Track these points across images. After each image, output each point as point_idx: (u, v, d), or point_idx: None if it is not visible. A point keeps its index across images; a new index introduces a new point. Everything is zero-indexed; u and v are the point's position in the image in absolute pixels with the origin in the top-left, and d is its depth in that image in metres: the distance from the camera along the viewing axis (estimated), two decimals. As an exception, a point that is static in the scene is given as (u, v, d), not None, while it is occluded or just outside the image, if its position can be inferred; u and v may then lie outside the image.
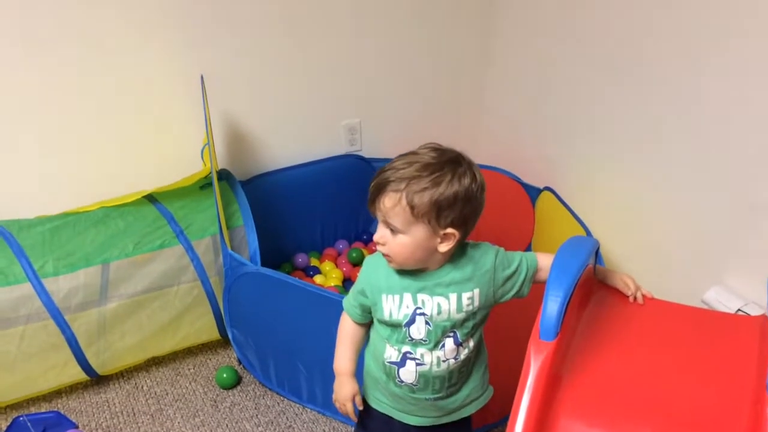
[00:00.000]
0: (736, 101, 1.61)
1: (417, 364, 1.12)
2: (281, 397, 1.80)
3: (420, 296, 1.09)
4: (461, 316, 1.10)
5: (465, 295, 1.09)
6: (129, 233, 1.80)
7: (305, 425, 1.72)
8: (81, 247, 1.74)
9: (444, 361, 1.12)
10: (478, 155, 2.34)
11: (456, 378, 1.15)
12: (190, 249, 1.85)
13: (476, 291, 1.10)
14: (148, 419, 1.73)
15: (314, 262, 2.28)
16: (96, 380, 1.83)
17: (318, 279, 2.16)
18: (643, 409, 0.99)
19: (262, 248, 1.83)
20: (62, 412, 1.72)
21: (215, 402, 1.79)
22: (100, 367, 1.79)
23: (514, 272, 1.13)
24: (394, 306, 1.10)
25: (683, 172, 1.78)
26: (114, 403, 1.78)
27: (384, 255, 1.09)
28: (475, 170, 1.07)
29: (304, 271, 2.23)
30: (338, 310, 1.77)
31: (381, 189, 1.04)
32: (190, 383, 1.85)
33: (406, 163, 1.04)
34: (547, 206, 2.08)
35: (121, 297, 1.79)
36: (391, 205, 1.03)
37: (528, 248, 2.18)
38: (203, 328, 1.89)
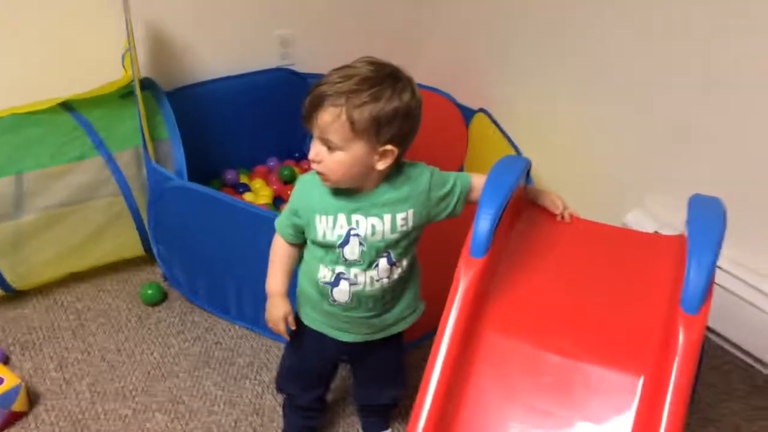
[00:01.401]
0: (661, 18, 1.61)
1: (350, 284, 1.11)
2: (209, 314, 1.78)
3: (354, 217, 1.07)
4: (395, 236, 1.09)
5: (399, 216, 1.08)
6: (44, 143, 1.69)
7: (233, 341, 1.71)
8: (-10, 155, 1.62)
9: (377, 280, 1.11)
10: (414, 74, 2.31)
11: (389, 297, 1.16)
12: (110, 161, 1.76)
13: (410, 211, 1.08)
14: (68, 334, 1.68)
15: (244, 179, 2.22)
16: (12, 296, 1.76)
17: (248, 197, 2.11)
18: (562, 324, 1.02)
19: (189, 163, 1.75)
20: (-25, 327, 1.65)
21: (140, 318, 1.76)
22: (17, 281, 1.72)
23: (449, 192, 1.12)
24: (327, 227, 1.08)
25: (610, 94, 1.80)
26: (32, 319, 1.72)
27: (319, 173, 1.05)
28: (414, 86, 1.04)
29: (234, 188, 2.18)
30: (268, 227, 1.73)
31: (318, 103, 0.99)
32: (113, 299, 1.81)
33: (343, 76, 0.99)
34: (481, 128, 2.08)
35: (37, 210, 1.70)
36: (330, 120, 0.99)
37: (460, 170, 2.19)
38: (126, 243, 1.83)
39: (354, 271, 1.10)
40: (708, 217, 1.00)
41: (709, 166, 1.67)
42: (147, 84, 1.85)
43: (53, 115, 1.70)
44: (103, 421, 1.46)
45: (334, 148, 1.01)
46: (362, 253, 1.09)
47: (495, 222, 1.03)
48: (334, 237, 1.08)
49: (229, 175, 2.19)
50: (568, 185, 1.89)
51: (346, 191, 1.07)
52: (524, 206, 1.24)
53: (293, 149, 2.34)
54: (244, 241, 1.63)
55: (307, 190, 1.10)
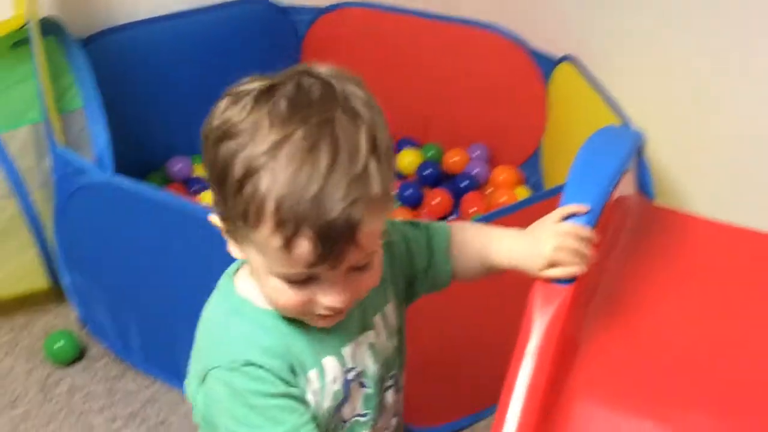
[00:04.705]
0: None
1: None
2: (149, 377, 1.82)
3: (346, 350, 1.04)
4: (395, 343, 1.11)
5: (388, 307, 1.09)
6: None
7: (186, 417, 1.73)
8: None
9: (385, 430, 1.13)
10: (457, 5, 2.35)
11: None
12: (-4, 145, 1.80)
13: (390, 289, 1.09)
14: (-62, 410, 1.73)
15: (199, 170, 2.26)
16: None
17: (206, 197, 2.14)
18: (700, 387, 1.02)
19: (116, 146, 1.79)
20: None
21: (45, 386, 1.79)
22: None
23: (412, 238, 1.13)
24: (317, 388, 1.03)
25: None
26: None
27: (331, 315, 0.98)
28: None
29: (184, 185, 2.21)
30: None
31: (351, 229, 0.89)
32: (5, 356, 1.85)
33: (331, 154, 0.87)
34: (567, 86, 2.09)
35: None
36: (378, 228, 0.93)
37: (535, 154, 2.21)
38: (21, 270, 1.88)
39: None
40: None
41: None
42: (50, 28, 1.88)
43: None
44: None
45: (368, 263, 0.95)
46: (366, 399, 1.08)
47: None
48: (330, 399, 1.04)
49: (177, 165, 2.23)
50: (706, 174, 1.89)
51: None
52: (634, 205, 1.25)
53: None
54: (201, 263, 1.65)
55: (284, 346, 1.00)
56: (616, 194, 1.14)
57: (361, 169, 0.87)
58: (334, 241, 0.87)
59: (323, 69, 0.93)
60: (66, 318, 1.93)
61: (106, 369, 1.83)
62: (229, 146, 0.88)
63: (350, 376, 1.03)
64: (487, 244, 1.09)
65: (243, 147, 0.87)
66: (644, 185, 1.54)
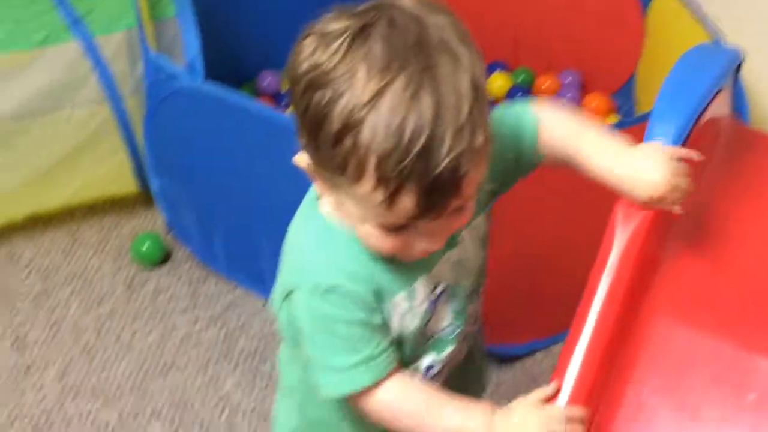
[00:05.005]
0: None
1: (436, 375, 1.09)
2: (231, 284, 1.85)
3: (433, 270, 1.02)
4: (482, 253, 1.08)
5: (477, 220, 1.05)
6: (-4, 18, 1.78)
7: (268, 327, 1.77)
8: None
9: (463, 339, 1.10)
10: None
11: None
12: (91, 49, 1.83)
13: (480, 207, 1.05)
14: (29, 304, 1.79)
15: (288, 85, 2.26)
16: (-51, 241, 1.89)
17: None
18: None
19: (208, 56, 1.80)
20: None
21: (131, 286, 1.84)
22: (-45, 218, 1.84)
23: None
24: (403, 311, 1.01)
25: None
26: (-24, 276, 1.84)
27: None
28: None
29: (274, 99, 2.22)
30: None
31: (455, 182, 0.87)
32: (93, 256, 1.90)
33: (436, 105, 0.84)
34: (666, 12, 2.03)
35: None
36: (479, 176, 0.90)
37: (629, 82, 2.16)
38: (112, 174, 1.91)
39: (445, 353, 1.08)
40: None
41: None
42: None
43: (10, -21, 1.79)
44: (76, 426, 1.57)
45: (466, 203, 0.93)
46: (455, 314, 1.06)
47: (679, 144, 1.02)
48: (418, 319, 1.03)
49: (267, 79, 2.24)
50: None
51: None
52: (727, 126, 1.22)
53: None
54: (288, 176, 1.65)
55: (359, 263, 0.98)
56: (708, 114, 1.10)
57: (465, 118, 0.83)
58: (439, 196, 0.85)
59: (410, 2, 0.87)
60: (153, 222, 1.97)
61: (190, 273, 1.88)
62: (323, 95, 0.83)
63: (437, 293, 1.03)
64: (582, 150, 1.02)
65: (339, 96, 0.82)
66: (739, 108, 1.49)
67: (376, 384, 0.97)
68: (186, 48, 1.80)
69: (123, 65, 1.87)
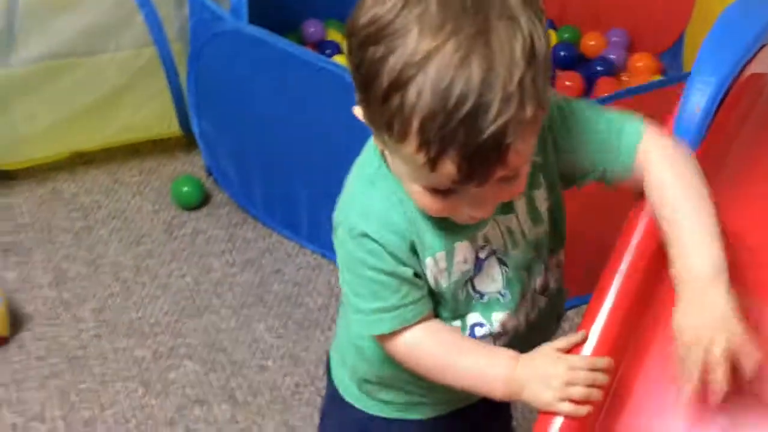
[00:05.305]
0: None
1: (493, 339, 1.06)
2: (268, 229, 1.86)
3: (481, 233, 1.00)
4: (543, 227, 1.05)
5: (536, 193, 1.03)
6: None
7: (302, 272, 1.78)
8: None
9: (534, 315, 1.08)
10: None
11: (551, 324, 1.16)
12: (138, -11, 1.84)
13: (541, 182, 1.03)
14: (70, 239, 1.82)
15: (333, 35, 2.26)
16: (-5, 177, 1.92)
17: (339, 60, 2.14)
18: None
19: (253, 4, 1.80)
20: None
21: (170, 226, 1.86)
22: (2, 156, 1.86)
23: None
24: (443, 266, 1.01)
25: None
26: (21, 212, 1.87)
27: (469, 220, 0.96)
28: None
29: (317, 47, 2.22)
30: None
31: (502, 150, 0.84)
32: (133, 196, 1.92)
33: (484, 61, 0.82)
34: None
35: (31, 59, 1.83)
36: (527, 148, 0.88)
37: (677, 43, 2.13)
38: (155, 115, 1.93)
39: (494, 318, 1.08)
40: None
41: None
42: None
43: None
44: (112, 361, 1.59)
45: (516, 174, 0.91)
46: (508, 281, 1.05)
47: (719, 96, 1.02)
48: (457, 275, 1.01)
49: (312, 27, 2.23)
50: None
51: None
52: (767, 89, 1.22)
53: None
54: (329, 123, 1.67)
55: (399, 218, 0.98)
56: (751, 69, 1.09)
57: (515, 87, 0.81)
58: (481, 163, 0.83)
59: None
60: (193, 165, 1.99)
61: (228, 216, 1.89)
62: (375, 51, 0.82)
63: (483, 257, 1.02)
64: (671, 223, 0.95)
65: (390, 54, 0.81)
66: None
67: (400, 330, 0.97)
68: (234, -9, 1.81)
69: (168, 8, 1.89)
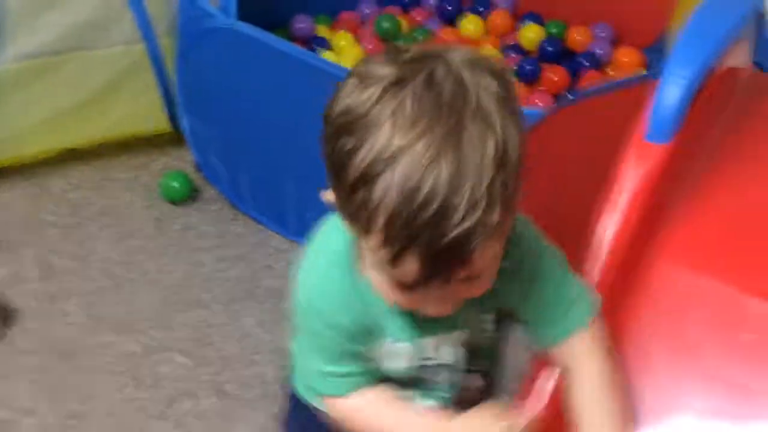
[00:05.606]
0: None
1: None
2: (257, 224, 1.87)
3: (427, 341, 1.03)
4: (486, 340, 1.07)
5: (485, 317, 1.05)
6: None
7: (289, 266, 1.78)
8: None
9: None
10: None
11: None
12: (127, -15, 1.85)
13: (493, 309, 1.05)
14: (59, 234, 1.82)
15: (323, 31, 2.27)
16: (-16, 174, 1.92)
17: (327, 56, 2.15)
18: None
19: (240, 2, 1.81)
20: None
21: (159, 221, 1.87)
22: (-10, 152, 1.87)
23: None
24: (390, 351, 1.03)
25: None
26: (10, 208, 1.87)
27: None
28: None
29: (306, 43, 2.22)
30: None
31: (463, 252, 0.84)
32: (123, 191, 1.93)
33: (454, 169, 0.80)
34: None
35: (22, 55, 1.82)
36: (492, 254, 0.88)
37: (662, 39, 2.14)
38: (144, 111, 1.94)
39: (432, 403, 1.08)
40: None
41: None
42: None
43: None
44: (100, 355, 1.59)
45: (479, 275, 0.91)
46: (451, 383, 1.08)
47: (692, 91, 1.04)
48: (403, 364, 1.03)
49: (301, 23, 2.23)
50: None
51: None
52: (746, 81, 1.22)
53: (399, -10, 2.36)
54: (317, 120, 1.66)
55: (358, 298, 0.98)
56: (727, 63, 1.12)
57: (483, 192, 0.79)
58: (444, 264, 0.82)
59: (459, 55, 0.83)
60: (183, 161, 1.99)
61: (219, 212, 1.90)
62: (347, 142, 0.80)
63: (428, 363, 1.03)
64: (581, 412, 0.99)
65: (361, 147, 0.79)
66: (762, 56, 1.49)
67: (340, 397, 1.00)
68: (220, -12, 1.82)
69: (158, 4, 1.89)
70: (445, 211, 0.78)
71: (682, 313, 1.02)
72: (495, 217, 0.80)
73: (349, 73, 0.84)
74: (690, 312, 1.01)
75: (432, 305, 0.89)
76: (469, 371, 1.06)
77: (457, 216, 0.78)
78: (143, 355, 1.60)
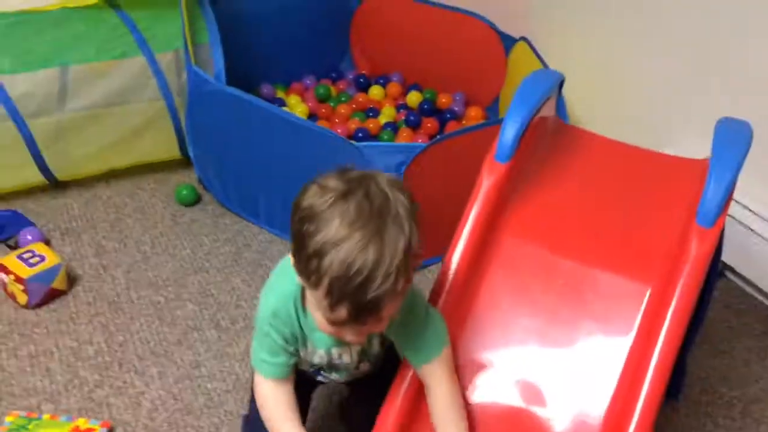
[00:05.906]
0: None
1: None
2: (240, 218, 1.87)
3: (334, 350, 1.02)
4: (376, 349, 1.06)
5: (375, 340, 1.04)
6: (89, 38, 1.76)
7: (262, 245, 1.80)
8: (39, 46, 1.71)
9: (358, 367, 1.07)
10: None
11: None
12: (152, 61, 1.82)
13: (380, 336, 1.04)
14: (106, 226, 1.79)
15: (280, 94, 2.27)
16: (54, 186, 1.86)
17: (286, 110, 2.16)
18: (579, 233, 1.07)
19: (228, 70, 1.81)
20: (20, 212, 1.75)
21: (174, 216, 1.85)
22: (58, 171, 1.82)
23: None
24: (308, 353, 1.02)
25: (659, 37, 1.79)
26: (72, 208, 1.83)
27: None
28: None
29: (270, 102, 2.22)
30: (303, 136, 1.80)
31: (374, 309, 0.85)
32: (149, 197, 1.90)
33: (377, 257, 0.81)
34: (521, 58, 2.07)
35: (80, 107, 1.79)
36: (395, 307, 0.88)
37: (495, 101, 2.21)
38: (164, 144, 1.91)
39: (330, 378, 1.08)
40: (732, 136, 1.03)
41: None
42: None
43: (99, 11, 1.77)
44: (137, 304, 1.58)
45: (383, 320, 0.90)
46: (340, 372, 1.06)
47: (522, 128, 1.07)
48: (316, 361, 1.03)
49: (266, 89, 2.23)
50: (606, 119, 1.90)
51: None
52: (553, 122, 1.26)
53: (330, 68, 2.37)
54: (278, 149, 1.69)
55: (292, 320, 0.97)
56: (541, 113, 1.15)
57: (394, 270, 0.81)
58: (364, 313, 0.84)
59: (384, 178, 0.86)
60: (190, 177, 1.97)
61: (213, 210, 1.89)
62: (308, 227, 0.82)
63: (334, 361, 1.03)
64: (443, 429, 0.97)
65: (318, 232, 0.81)
66: (561, 111, 1.56)
67: (267, 379, 0.99)
68: (215, 64, 1.81)
69: (173, 74, 1.88)
70: (368, 280, 0.81)
71: (518, 269, 1.05)
72: (400, 285, 0.83)
73: (312, 181, 0.85)
74: (523, 268, 1.05)
75: (350, 336, 0.89)
76: (359, 365, 1.06)
77: (376, 284, 0.81)
78: (165, 304, 1.59)
